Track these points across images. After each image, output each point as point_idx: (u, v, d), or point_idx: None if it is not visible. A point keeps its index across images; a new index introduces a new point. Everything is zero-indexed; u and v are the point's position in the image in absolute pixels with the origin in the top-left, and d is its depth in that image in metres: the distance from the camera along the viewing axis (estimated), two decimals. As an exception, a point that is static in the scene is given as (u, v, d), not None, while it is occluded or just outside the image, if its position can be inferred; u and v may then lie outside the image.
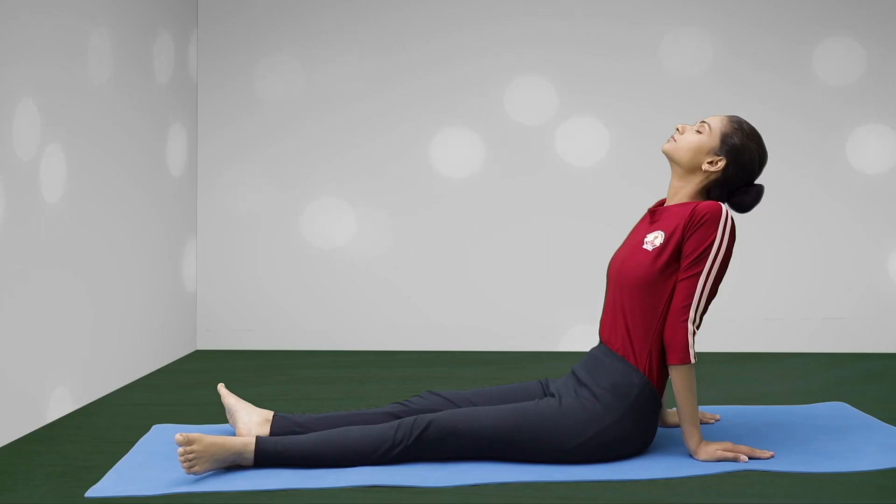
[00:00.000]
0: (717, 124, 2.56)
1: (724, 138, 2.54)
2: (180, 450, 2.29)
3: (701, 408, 3.11)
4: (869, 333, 4.38)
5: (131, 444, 2.69)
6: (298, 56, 4.48)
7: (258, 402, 3.23)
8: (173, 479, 2.33)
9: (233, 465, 2.40)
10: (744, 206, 2.58)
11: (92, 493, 2.23)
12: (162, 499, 2.19)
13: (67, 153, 3.10)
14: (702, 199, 2.58)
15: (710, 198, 2.59)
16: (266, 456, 2.39)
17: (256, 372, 3.89)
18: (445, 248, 4.48)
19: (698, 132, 2.56)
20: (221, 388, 2.72)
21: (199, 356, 4.30)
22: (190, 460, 2.30)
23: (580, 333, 4.42)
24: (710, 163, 2.54)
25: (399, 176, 4.48)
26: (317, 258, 4.50)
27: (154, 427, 2.89)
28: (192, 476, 2.35)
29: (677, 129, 2.59)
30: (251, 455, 2.39)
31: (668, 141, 2.59)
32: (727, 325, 4.40)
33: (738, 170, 2.54)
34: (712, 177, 2.56)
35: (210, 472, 2.37)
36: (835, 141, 4.39)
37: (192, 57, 4.41)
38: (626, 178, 4.41)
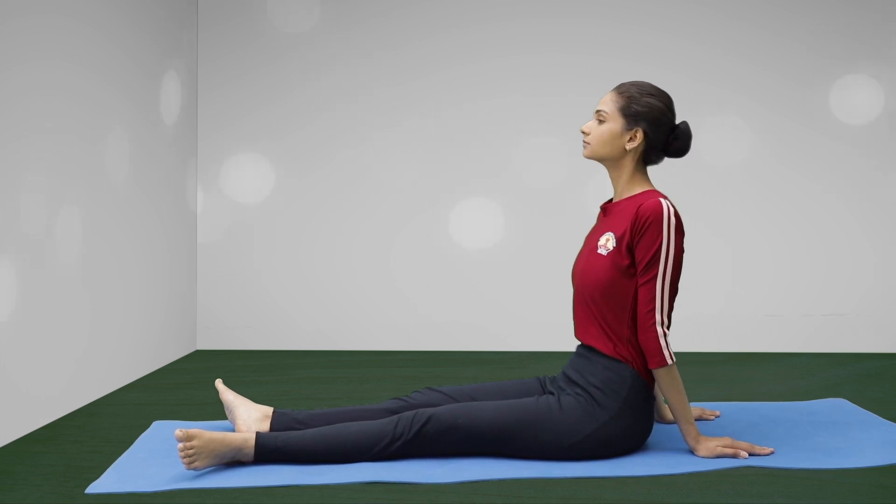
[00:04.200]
0: (610, 105, 2.55)
1: (625, 111, 2.53)
2: (180, 445, 2.29)
3: (700, 404, 3.12)
4: (870, 332, 4.38)
5: (131, 444, 2.69)
6: (296, 59, 4.48)
7: (258, 402, 3.23)
8: (173, 476, 2.33)
9: (233, 460, 2.40)
10: (682, 150, 2.58)
11: (92, 489, 2.23)
12: (162, 495, 2.19)
13: (68, 154, 3.10)
14: (642, 173, 2.58)
15: (648, 163, 2.59)
16: (266, 451, 2.40)
17: (256, 371, 3.89)
18: (445, 248, 4.48)
19: (600, 122, 2.56)
20: (219, 383, 2.72)
21: (199, 356, 4.30)
22: (190, 455, 2.30)
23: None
24: (630, 140, 2.54)
25: (397, 177, 4.48)
26: (317, 258, 4.50)
27: (154, 423, 2.89)
28: (192, 472, 2.34)
29: (583, 132, 2.59)
30: (251, 451, 2.39)
31: (584, 147, 2.59)
32: (728, 321, 4.40)
33: (656, 128, 2.54)
34: (640, 149, 2.56)
35: (210, 469, 2.37)
36: (834, 138, 4.39)
37: (192, 55, 4.41)
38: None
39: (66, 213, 3.08)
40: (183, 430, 2.29)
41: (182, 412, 3.11)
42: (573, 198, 4.44)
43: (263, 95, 4.49)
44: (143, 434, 2.77)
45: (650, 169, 4.40)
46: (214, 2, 4.50)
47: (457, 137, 4.47)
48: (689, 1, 4.42)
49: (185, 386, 3.58)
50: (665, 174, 4.40)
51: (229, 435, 2.38)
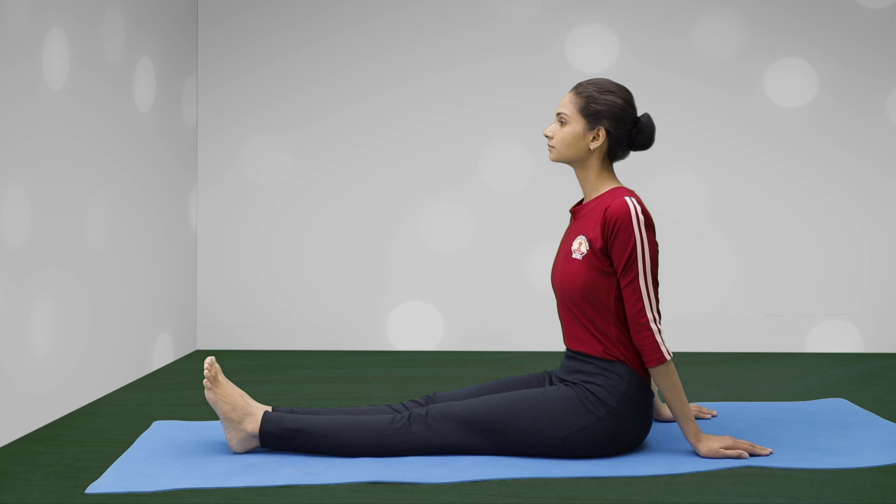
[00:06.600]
0: (571, 107, 2.55)
1: (585, 112, 2.54)
2: (207, 362, 2.47)
3: (699, 403, 3.12)
4: (870, 332, 4.38)
5: (131, 444, 2.69)
6: (296, 59, 4.48)
7: (258, 401, 3.23)
8: (173, 476, 2.33)
9: (239, 425, 2.49)
10: (646, 143, 2.58)
11: (92, 489, 2.23)
12: (162, 495, 2.19)
13: (67, 153, 3.10)
14: (609, 170, 2.58)
15: (614, 159, 2.60)
16: (271, 419, 2.50)
17: (256, 371, 3.89)
18: (445, 247, 4.48)
19: (562, 124, 2.56)
20: (212, 365, 2.57)
21: (199, 356, 4.30)
22: (212, 377, 2.48)
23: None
24: (594, 140, 2.54)
25: (396, 176, 4.48)
26: (317, 258, 4.50)
27: (154, 423, 2.89)
28: (192, 472, 2.34)
29: (547, 136, 2.59)
30: (260, 413, 2.50)
31: (549, 151, 2.60)
32: (728, 321, 4.40)
33: (618, 125, 2.54)
34: (604, 147, 2.56)
35: (209, 463, 2.37)
36: (832, 137, 4.40)
37: (192, 55, 4.41)
38: (626, 177, 4.41)
39: (65, 214, 3.08)
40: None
41: (182, 412, 3.11)
42: (576, 196, 4.44)
43: (263, 96, 4.49)
44: (143, 434, 2.77)
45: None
46: (214, 2, 4.50)
47: (457, 137, 4.47)
48: (688, 1, 4.42)
49: (185, 386, 3.58)
50: (665, 174, 4.40)
51: (246, 395, 2.56)
